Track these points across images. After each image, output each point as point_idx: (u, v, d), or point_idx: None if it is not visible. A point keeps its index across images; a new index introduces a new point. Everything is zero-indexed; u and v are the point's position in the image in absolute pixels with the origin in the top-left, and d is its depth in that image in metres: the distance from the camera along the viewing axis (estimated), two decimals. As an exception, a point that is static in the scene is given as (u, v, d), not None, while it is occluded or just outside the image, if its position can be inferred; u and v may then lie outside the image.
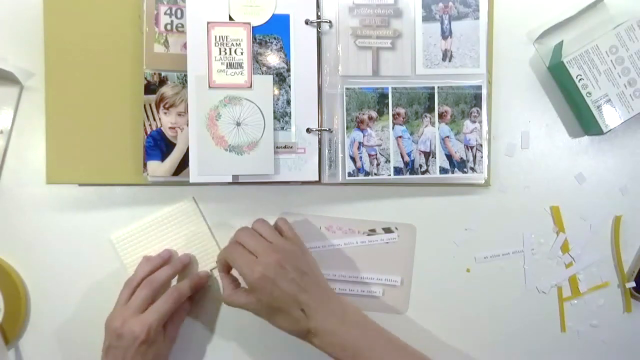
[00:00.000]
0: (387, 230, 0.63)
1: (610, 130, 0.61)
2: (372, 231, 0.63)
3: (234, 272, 0.57)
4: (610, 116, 0.61)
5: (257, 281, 0.51)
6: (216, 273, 0.63)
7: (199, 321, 0.63)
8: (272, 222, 0.63)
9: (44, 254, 0.62)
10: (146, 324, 0.53)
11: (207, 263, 0.63)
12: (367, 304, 0.64)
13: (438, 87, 0.60)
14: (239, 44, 0.58)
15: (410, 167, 0.60)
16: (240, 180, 0.58)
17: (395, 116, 0.60)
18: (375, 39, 0.60)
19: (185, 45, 0.58)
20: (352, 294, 0.63)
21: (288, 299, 0.52)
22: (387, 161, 0.60)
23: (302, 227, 0.63)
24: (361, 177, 0.60)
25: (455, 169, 0.61)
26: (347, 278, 0.63)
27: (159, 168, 0.58)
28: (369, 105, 0.60)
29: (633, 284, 0.64)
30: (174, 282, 0.61)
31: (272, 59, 0.58)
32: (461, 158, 0.61)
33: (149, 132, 0.58)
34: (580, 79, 0.61)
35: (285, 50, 0.59)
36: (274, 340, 0.63)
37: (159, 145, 0.58)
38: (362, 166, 0.60)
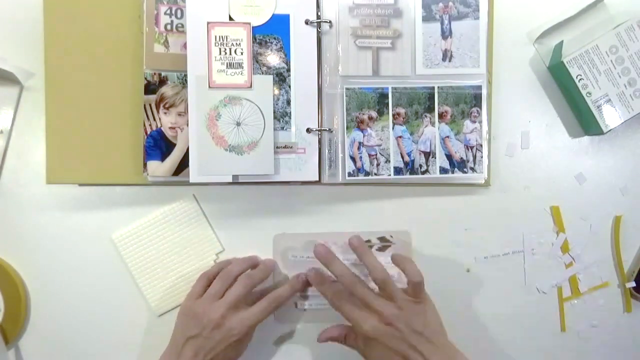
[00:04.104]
0: (383, 239, 0.63)
1: (610, 130, 0.61)
2: (368, 242, 0.63)
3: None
4: (610, 116, 0.61)
5: (369, 335, 0.52)
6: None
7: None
8: (274, 226, 0.63)
9: (44, 254, 0.62)
10: (246, 325, 0.54)
11: (208, 260, 0.63)
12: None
13: (438, 87, 0.60)
14: (239, 44, 0.58)
15: (410, 167, 0.60)
16: (240, 180, 0.58)
17: (395, 116, 0.60)
18: (375, 39, 0.60)
19: (185, 45, 0.58)
20: None
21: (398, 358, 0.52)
22: (387, 161, 0.60)
23: (297, 244, 0.63)
24: (361, 177, 0.60)
25: (455, 169, 0.61)
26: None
27: (159, 168, 0.58)
28: (369, 105, 0.60)
29: (633, 284, 0.64)
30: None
31: (272, 59, 0.58)
32: (461, 158, 0.61)
33: (149, 132, 0.58)
34: (580, 79, 0.61)
35: (285, 50, 0.59)
36: (271, 340, 0.63)
37: (159, 145, 0.58)
38: (362, 166, 0.60)
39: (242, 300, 0.56)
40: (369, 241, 0.63)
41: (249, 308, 0.56)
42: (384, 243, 0.63)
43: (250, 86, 0.58)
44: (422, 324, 0.53)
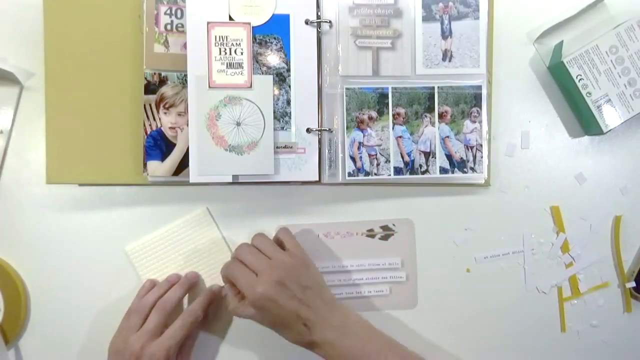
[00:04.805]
0: (385, 228, 0.63)
1: (610, 130, 0.61)
2: (371, 231, 0.63)
3: None
4: (610, 116, 0.61)
5: (258, 300, 0.52)
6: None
7: (212, 333, 0.63)
8: (274, 226, 0.63)
9: (44, 254, 0.62)
10: (164, 348, 0.54)
11: (217, 274, 0.62)
12: (374, 304, 0.63)
13: (438, 87, 0.60)
14: (239, 44, 0.58)
15: (410, 167, 0.60)
16: (240, 180, 0.58)
17: (395, 116, 0.60)
18: (375, 39, 0.60)
19: (185, 45, 0.58)
20: (358, 296, 0.63)
21: (290, 316, 0.52)
22: (387, 161, 0.60)
23: (299, 238, 0.62)
24: (361, 177, 0.60)
25: (455, 169, 0.61)
26: (352, 281, 0.63)
27: (159, 168, 0.58)
28: (369, 105, 0.60)
29: (633, 284, 0.64)
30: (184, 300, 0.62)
31: (272, 59, 0.58)
32: (461, 158, 0.61)
33: (149, 132, 0.58)
34: (580, 79, 0.61)
35: (285, 50, 0.59)
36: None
37: (159, 145, 0.58)
38: (362, 166, 0.60)
39: (164, 326, 0.56)
40: (371, 230, 0.63)
41: (166, 331, 0.56)
42: (387, 232, 0.63)
43: (250, 86, 0.58)
44: (308, 279, 0.54)
